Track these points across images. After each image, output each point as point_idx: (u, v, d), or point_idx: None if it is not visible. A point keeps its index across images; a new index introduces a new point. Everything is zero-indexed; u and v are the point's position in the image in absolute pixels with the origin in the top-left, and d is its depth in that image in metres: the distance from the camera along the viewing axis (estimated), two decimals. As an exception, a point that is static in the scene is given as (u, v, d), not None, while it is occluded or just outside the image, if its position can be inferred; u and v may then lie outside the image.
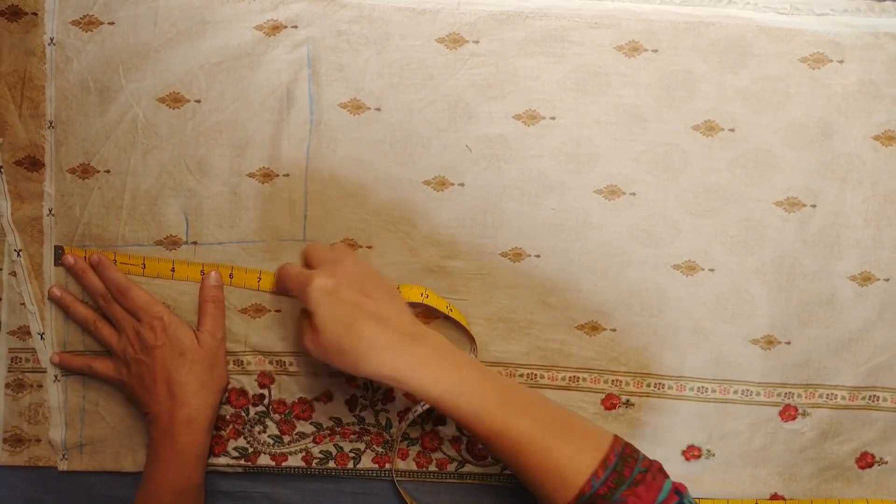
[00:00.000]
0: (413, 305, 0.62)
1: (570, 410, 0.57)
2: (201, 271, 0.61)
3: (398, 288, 0.61)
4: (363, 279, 0.54)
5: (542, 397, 0.56)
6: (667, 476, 0.51)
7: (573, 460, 0.50)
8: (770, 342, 0.63)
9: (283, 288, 0.58)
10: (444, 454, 0.64)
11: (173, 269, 0.62)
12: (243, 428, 0.64)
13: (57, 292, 0.61)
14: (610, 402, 0.64)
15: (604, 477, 0.50)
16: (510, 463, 0.52)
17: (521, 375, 0.63)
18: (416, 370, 0.51)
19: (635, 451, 0.52)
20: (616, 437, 0.52)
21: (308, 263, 0.59)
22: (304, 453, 0.64)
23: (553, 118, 0.61)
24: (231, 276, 0.62)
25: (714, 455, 0.64)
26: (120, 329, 0.60)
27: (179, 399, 0.58)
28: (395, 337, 0.52)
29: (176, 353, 0.59)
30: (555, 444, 0.51)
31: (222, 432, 0.63)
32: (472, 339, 0.62)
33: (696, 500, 0.62)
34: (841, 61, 0.60)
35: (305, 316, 0.54)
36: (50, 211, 0.61)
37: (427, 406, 0.62)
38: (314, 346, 0.53)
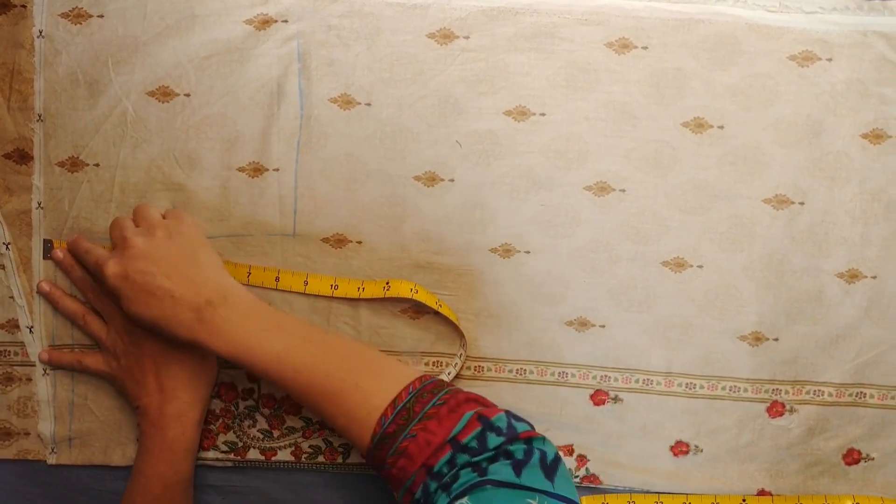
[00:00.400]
0: (403, 301, 0.62)
1: (382, 354, 0.58)
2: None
3: (388, 283, 0.61)
4: (152, 255, 0.55)
5: (352, 342, 0.58)
6: (481, 407, 0.49)
7: (369, 402, 0.51)
8: (758, 339, 0.63)
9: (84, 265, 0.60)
10: (433, 449, 0.64)
11: None
12: (232, 422, 0.64)
13: (45, 287, 0.61)
14: (598, 398, 0.64)
15: (392, 416, 0.50)
16: (313, 409, 0.54)
17: (510, 371, 0.63)
18: (211, 337, 0.54)
19: (440, 387, 0.51)
20: (422, 376, 0.52)
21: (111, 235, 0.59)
22: (293, 448, 0.64)
23: (543, 114, 0.61)
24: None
25: (702, 451, 0.64)
26: (109, 321, 0.60)
27: (169, 392, 0.58)
28: (184, 309, 0.54)
29: (166, 346, 0.59)
30: (355, 388, 0.52)
31: (211, 426, 0.63)
32: (461, 335, 0.62)
33: (685, 496, 0.63)
34: (829, 59, 0.60)
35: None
36: (39, 204, 0.61)
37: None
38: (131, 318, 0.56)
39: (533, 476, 0.47)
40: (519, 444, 0.48)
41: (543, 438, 0.49)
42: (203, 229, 0.60)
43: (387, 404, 0.51)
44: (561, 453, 0.62)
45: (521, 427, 0.49)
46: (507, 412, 0.49)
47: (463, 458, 0.47)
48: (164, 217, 0.59)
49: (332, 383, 0.53)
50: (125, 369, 0.60)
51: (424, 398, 0.50)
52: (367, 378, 0.53)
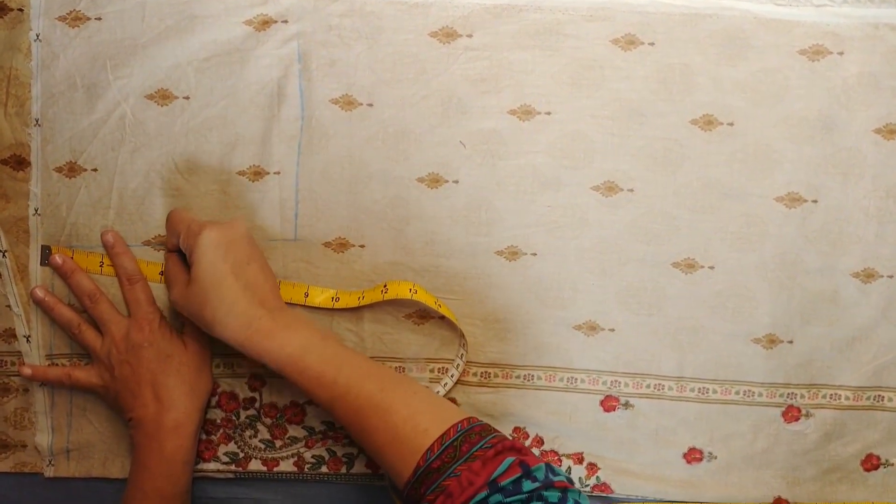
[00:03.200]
0: (406, 306, 0.61)
1: (426, 388, 0.57)
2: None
3: (385, 285, 0.60)
4: (248, 248, 0.55)
5: (398, 373, 0.57)
6: (523, 456, 0.49)
7: (418, 431, 0.50)
8: (772, 341, 0.61)
9: (172, 230, 0.58)
10: (440, 458, 0.63)
11: (161, 273, 0.60)
12: (234, 432, 0.62)
13: (40, 294, 0.60)
14: (609, 404, 0.62)
15: (438, 451, 0.49)
16: (355, 432, 0.53)
17: (518, 377, 0.62)
18: (264, 340, 0.53)
19: (487, 430, 0.51)
20: (469, 417, 0.52)
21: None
22: (295, 458, 0.62)
23: (548, 113, 0.60)
24: None
25: (716, 458, 0.62)
26: (105, 331, 0.59)
27: (166, 403, 0.57)
28: (254, 308, 0.53)
29: (163, 356, 0.58)
30: (401, 410, 0.51)
31: (212, 437, 0.62)
32: (461, 336, 0.61)
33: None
34: (841, 53, 0.59)
35: (177, 266, 0.57)
36: (36, 210, 0.60)
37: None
38: (180, 297, 0.55)
39: None
40: (553, 491, 0.47)
41: (579, 492, 0.49)
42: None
43: (434, 439, 0.50)
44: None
45: (558, 478, 0.48)
46: (547, 464, 0.49)
47: (496, 497, 0.47)
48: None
49: (381, 400, 0.52)
50: (120, 380, 0.58)
51: (472, 439, 0.50)
52: (418, 405, 0.52)
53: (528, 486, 0.47)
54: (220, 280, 0.53)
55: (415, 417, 0.51)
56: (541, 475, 0.48)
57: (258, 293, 0.54)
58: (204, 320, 0.54)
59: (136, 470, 0.57)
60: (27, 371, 0.60)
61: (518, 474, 0.47)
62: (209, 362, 0.61)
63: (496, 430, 0.51)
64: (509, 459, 0.48)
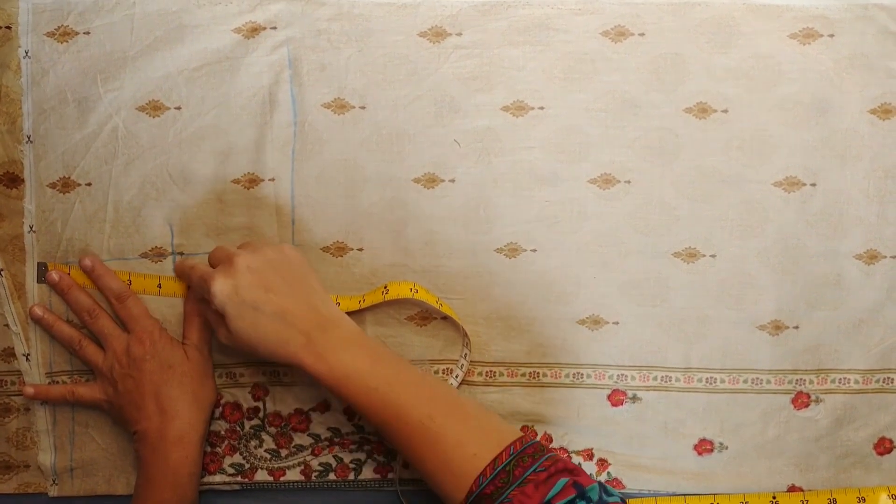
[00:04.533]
0: (408, 308, 0.60)
1: (480, 405, 0.55)
2: (188, 286, 0.60)
3: (386, 286, 0.59)
4: (262, 273, 0.53)
5: (451, 389, 0.55)
6: (576, 476, 0.48)
7: (468, 458, 0.49)
8: (778, 327, 0.61)
9: (186, 282, 0.59)
10: (448, 460, 0.62)
11: (160, 286, 0.60)
12: (238, 443, 0.61)
13: (38, 312, 0.59)
14: (616, 399, 0.62)
15: (491, 476, 0.48)
16: (405, 454, 0.52)
17: (524, 375, 0.61)
18: (315, 363, 0.52)
19: (539, 451, 0.50)
20: (522, 437, 0.51)
21: (211, 263, 0.57)
22: (302, 466, 0.62)
23: (542, 108, 0.59)
24: None
25: (727, 448, 0.62)
26: (106, 346, 0.58)
27: (170, 413, 0.56)
28: (295, 331, 0.52)
29: (165, 367, 0.57)
30: (450, 437, 0.50)
31: (217, 449, 0.61)
32: (465, 336, 0.60)
33: (712, 497, 0.61)
34: (831, 35, 0.59)
35: (214, 312, 0.55)
36: (31, 228, 0.60)
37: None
38: (229, 342, 0.55)
39: None
40: None
41: None
42: (305, 256, 0.57)
43: (486, 463, 0.49)
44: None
45: (612, 499, 0.48)
46: (601, 483, 0.49)
47: None
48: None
49: (430, 428, 0.51)
50: (124, 394, 0.58)
51: (525, 462, 0.49)
52: (468, 431, 0.51)
53: None
54: (251, 324, 0.52)
55: (465, 444, 0.50)
56: (594, 495, 0.47)
57: (294, 313, 0.53)
58: (261, 357, 0.54)
59: (142, 483, 0.57)
60: (30, 391, 0.59)
61: (572, 495, 0.47)
62: (211, 371, 0.60)
63: (549, 450, 0.51)
64: (563, 480, 0.48)
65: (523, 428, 0.62)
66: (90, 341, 0.59)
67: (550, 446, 0.62)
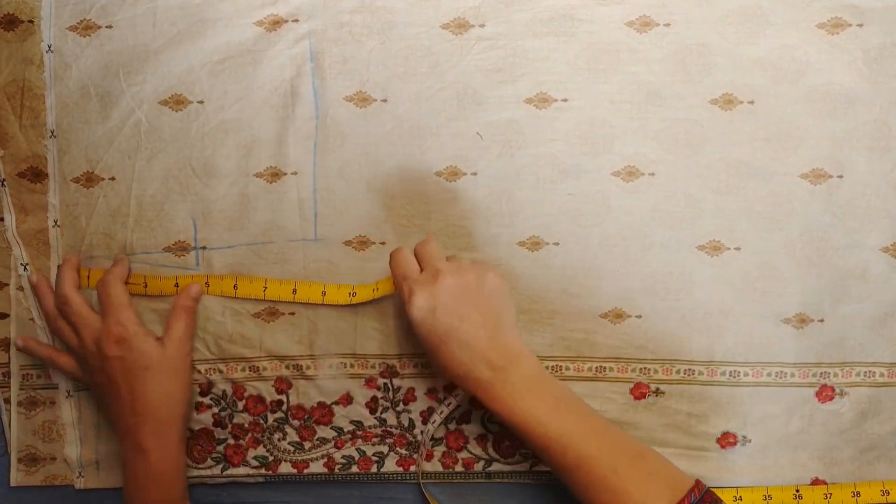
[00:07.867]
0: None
1: (657, 453, 0.55)
2: (206, 283, 0.60)
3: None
4: (461, 300, 0.53)
5: (630, 437, 0.56)
6: None
7: (645, 497, 0.50)
8: (802, 321, 0.60)
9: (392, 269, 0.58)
10: (471, 453, 0.62)
11: (177, 285, 0.60)
12: (262, 436, 0.62)
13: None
14: (639, 392, 0.61)
15: None
16: (585, 498, 0.52)
17: (547, 368, 0.61)
18: (494, 401, 0.53)
19: (716, 500, 0.51)
20: (697, 482, 0.51)
21: (416, 255, 0.57)
22: (325, 459, 0.62)
23: (565, 100, 0.59)
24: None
25: (750, 441, 0.61)
26: (78, 333, 0.57)
27: (144, 415, 0.56)
28: (475, 367, 0.53)
29: (139, 367, 0.56)
30: (634, 492, 0.50)
31: (241, 441, 0.62)
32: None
33: (735, 490, 0.61)
34: (860, 25, 0.58)
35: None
36: (55, 222, 0.60)
37: (452, 405, 0.60)
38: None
39: None
40: None
41: None
42: (506, 283, 0.56)
43: None
44: None
45: None
46: None
47: None
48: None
49: (614, 482, 0.51)
50: (97, 385, 0.58)
51: None
52: (651, 484, 0.51)
53: None
54: (437, 346, 0.54)
55: (649, 497, 0.50)
56: None
57: (479, 348, 0.53)
58: (439, 370, 0.56)
59: (128, 487, 0.57)
60: (19, 343, 0.60)
61: None
62: (189, 367, 0.59)
63: (716, 497, 0.51)
64: None
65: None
66: (62, 353, 0.59)
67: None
